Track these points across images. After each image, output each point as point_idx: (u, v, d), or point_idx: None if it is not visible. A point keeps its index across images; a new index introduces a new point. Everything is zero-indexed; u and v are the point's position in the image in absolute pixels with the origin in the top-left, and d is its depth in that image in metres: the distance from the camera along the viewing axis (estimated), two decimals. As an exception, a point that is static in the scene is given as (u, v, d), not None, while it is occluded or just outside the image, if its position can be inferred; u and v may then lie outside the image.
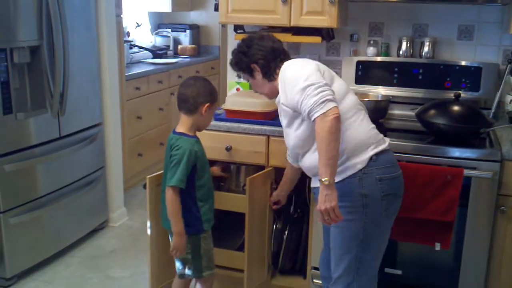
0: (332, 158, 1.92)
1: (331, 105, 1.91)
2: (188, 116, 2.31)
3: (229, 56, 2.32)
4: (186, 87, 2.31)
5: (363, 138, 2.07)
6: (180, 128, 2.32)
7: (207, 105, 2.30)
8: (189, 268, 2.43)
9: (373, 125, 2.16)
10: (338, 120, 1.92)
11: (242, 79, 3.08)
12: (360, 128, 2.08)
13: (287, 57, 2.22)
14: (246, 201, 2.55)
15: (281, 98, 2.13)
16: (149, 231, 2.51)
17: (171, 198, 2.25)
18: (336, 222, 1.98)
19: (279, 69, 2.17)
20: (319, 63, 2.13)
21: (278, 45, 2.23)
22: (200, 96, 2.28)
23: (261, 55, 2.18)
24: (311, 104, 1.92)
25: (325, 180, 1.92)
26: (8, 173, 2.90)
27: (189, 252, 2.39)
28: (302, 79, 1.98)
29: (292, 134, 2.15)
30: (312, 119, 1.94)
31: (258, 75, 2.22)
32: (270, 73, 2.20)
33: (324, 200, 1.94)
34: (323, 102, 1.91)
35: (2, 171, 2.87)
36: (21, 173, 3.00)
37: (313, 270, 2.71)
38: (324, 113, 1.90)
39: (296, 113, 2.06)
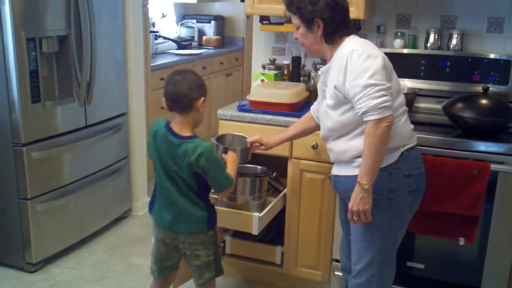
0: (377, 163, 1.93)
1: (387, 112, 1.89)
2: (184, 115, 2.13)
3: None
4: (175, 84, 2.11)
5: (404, 137, 2.07)
6: (183, 131, 2.13)
7: (202, 99, 2.13)
8: (210, 271, 2.26)
9: (412, 125, 2.15)
10: (390, 128, 1.90)
11: (267, 70, 3.07)
12: (403, 128, 2.07)
13: (351, 27, 2.07)
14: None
15: (334, 80, 2.01)
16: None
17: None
18: (362, 223, 2.01)
19: (340, 37, 2.03)
20: (384, 56, 2.00)
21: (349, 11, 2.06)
22: (193, 92, 2.10)
23: (332, 14, 1.98)
24: (370, 106, 1.88)
25: (364, 184, 1.93)
26: (36, 160, 2.95)
27: (212, 253, 2.24)
28: (367, 75, 1.89)
29: (335, 117, 2.07)
30: (365, 119, 1.91)
31: (317, 32, 2.02)
32: (331, 37, 2.02)
33: (358, 202, 1.96)
34: (382, 108, 1.87)
35: (30, 158, 2.92)
36: (48, 161, 3.05)
37: (334, 263, 2.71)
38: (380, 119, 1.88)
39: (346, 99, 2.00)
